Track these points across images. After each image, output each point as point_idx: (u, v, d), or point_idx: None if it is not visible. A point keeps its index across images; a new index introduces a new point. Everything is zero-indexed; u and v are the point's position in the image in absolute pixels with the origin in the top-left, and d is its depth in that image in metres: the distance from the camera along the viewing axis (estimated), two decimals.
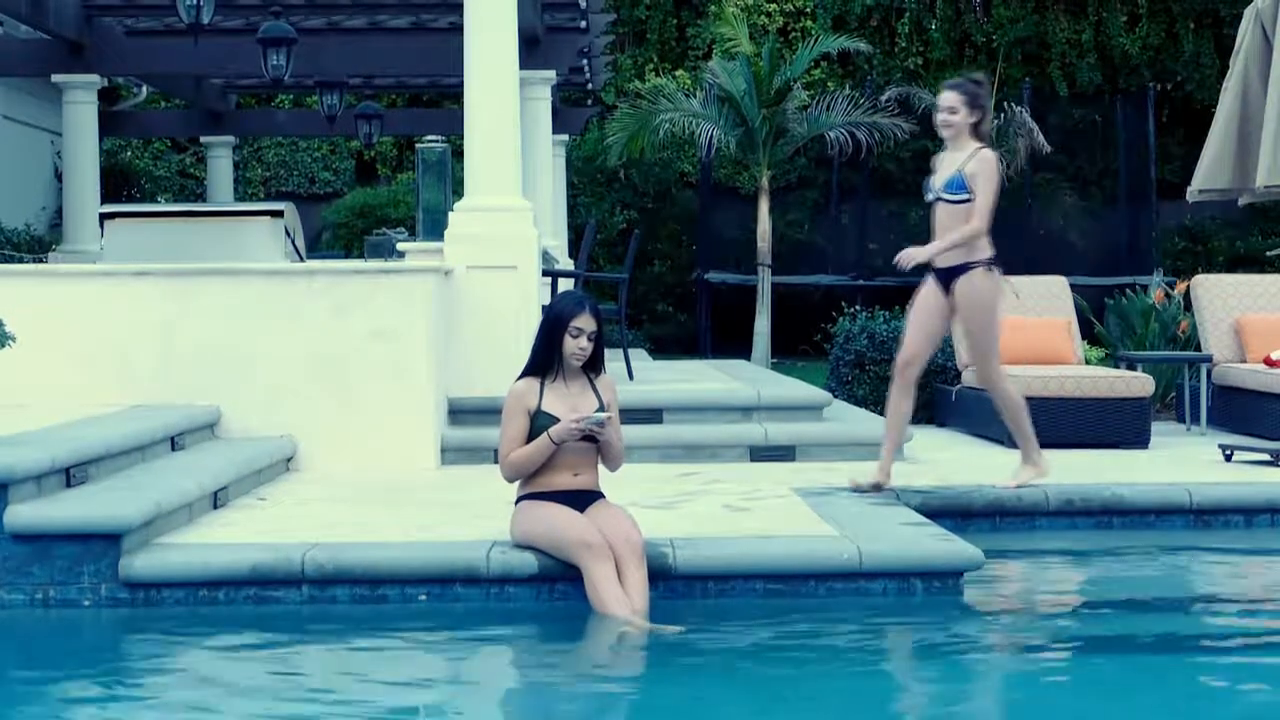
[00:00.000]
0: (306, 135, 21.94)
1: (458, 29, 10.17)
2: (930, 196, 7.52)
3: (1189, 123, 21.81)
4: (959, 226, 7.34)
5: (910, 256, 7.35)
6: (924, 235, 7.65)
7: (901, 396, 7.54)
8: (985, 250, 7.41)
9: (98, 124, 15.50)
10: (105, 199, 16.01)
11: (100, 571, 5.87)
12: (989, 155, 7.40)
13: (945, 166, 7.51)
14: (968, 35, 22.00)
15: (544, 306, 6.11)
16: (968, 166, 7.36)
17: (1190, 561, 7.09)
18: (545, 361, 5.91)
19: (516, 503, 6.00)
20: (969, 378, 10.48)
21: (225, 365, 8.34)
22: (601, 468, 6.04)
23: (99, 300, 8.43)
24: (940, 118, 7.44)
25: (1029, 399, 9.58)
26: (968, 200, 7.35)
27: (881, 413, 10.72)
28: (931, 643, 5.43)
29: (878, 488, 7.42)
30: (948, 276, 7.46)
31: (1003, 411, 7.75)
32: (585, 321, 5.87)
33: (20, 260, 14.54)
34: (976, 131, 7.48)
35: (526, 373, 5.96)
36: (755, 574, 5.93)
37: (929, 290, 7.54)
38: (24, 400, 8.12)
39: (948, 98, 7.46)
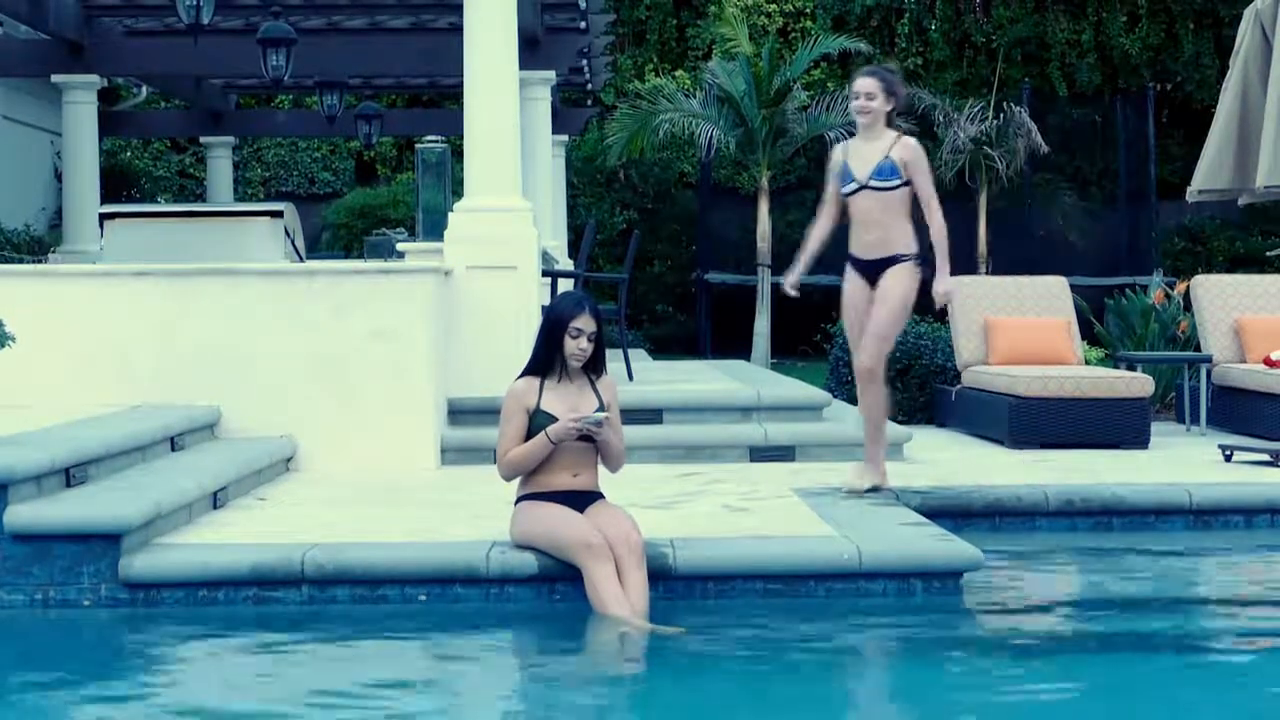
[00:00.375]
0: (306, 135, 21.95)
1: (457, 29, 10.17)
2: (852, 187, 7.24)
3: (1189, 123, 21.82)
4: (890, 215, 7.18)
5: (950, 290, 7.26)
6: (925, 235, 7.57)
7: (872, 396, 7.40)
8: (915, 244, 7.26)
9: (97, 124, 15.51)
10: (105, 199, 16.02)
11: (100, 572, 5.87)
12: (915, 142, 7.29)
13: (863, 155, 7.26)
14: (967, 36, 21.99)
15: (544, 307, 6.11)
16: (894, 153, 7.19)
17: (1190, 562, 7.09)
18: (545, 361, 5.92)
19: (516, 503, 6.00)
20: (969, 378, 10.49)
21: (225, 365, 8.34)
22: (602, 468, 6.04)
23: (99, 300, 8.43)
24: (858, 104, 7.25)
25: (1029, 399, 9.64)
26: (901, 185, 7.18)
27: None
28: (931, 643, 5.43)
29: (877, 489, 7.38)
30: (877, 268, 7.27)
31: (870, 407, 7.40)
32: (585, 322, 5.87)
33: (20, 261, 14.54)
34: (890, 119, 7.30)
35: (526, 372, 5.97)
36: (755, 574, 5.93)
37: (855, 287, 7.34)
38: (24, 400, 8.12)
39: (866, 84, 7.25)
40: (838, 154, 7.39)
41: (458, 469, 8.46)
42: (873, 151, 7.23)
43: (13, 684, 4.93)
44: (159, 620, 5.73)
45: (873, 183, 7.17)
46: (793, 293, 7.50)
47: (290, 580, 5.84)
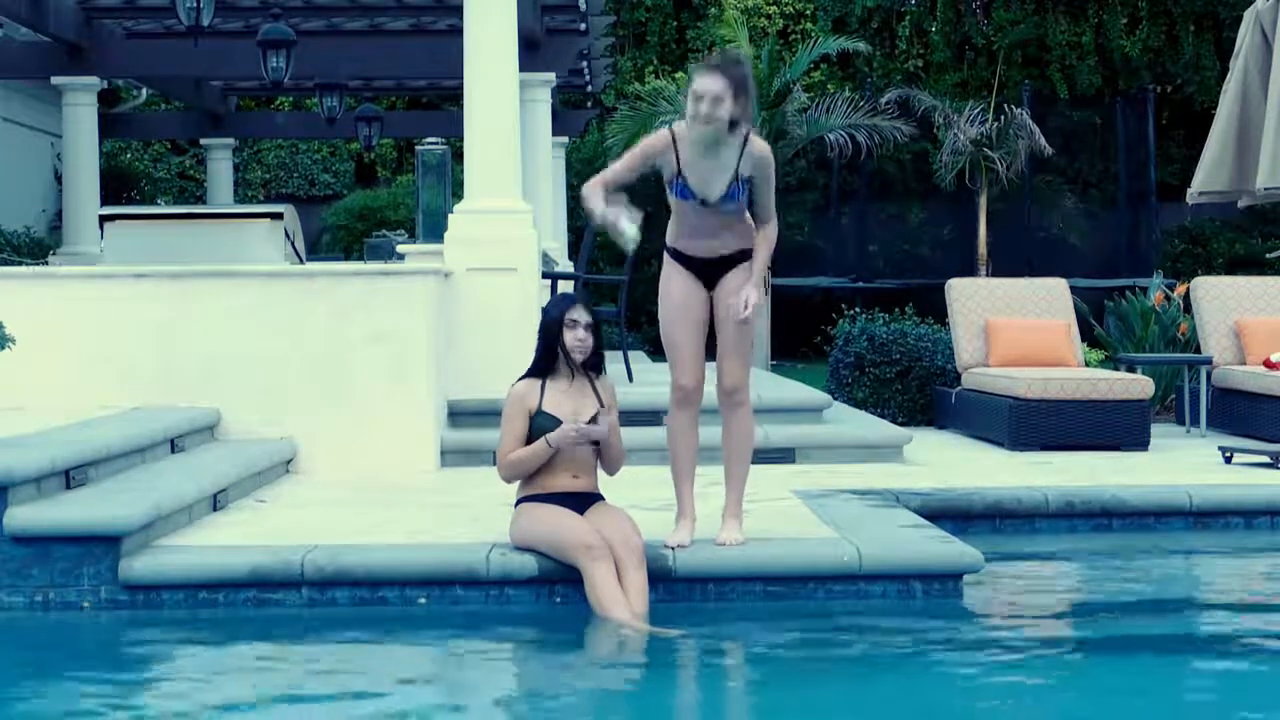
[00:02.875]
0: (306, 137, 21.96)
1: (457, 31, 10.18)
2: (691, 201, 5.85)
3: (1189, 125, 21.83)
4: (737, 221, 5.91)
5: (756, 303, 5.84)
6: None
7: (692, 425, 6.11)
8: (754, 235, 6.00)
9: (98, 126, 15.51)
10: (105, 201, 16.02)
11: (100, 574, 5.86)
12: (764, 150, 5.83)
13: (703, 169, 5.80)
14: (968, 38, 22.01)
15: (543, 309, 6.08)
16: (744, 167, 5.79)
17: (1190, 563, 7.10)
18: (546, 363, 5.93)
19: (516, 505, 6.00)
20: (969, 380, 10.48)
21: (225, 367, 8.34)
22: (601, 471, 6.05)
23: (99, 302, 8.43)
24: (705, 110, 5.66)
25: (1029, 401, 9.64)
26: (748, 200, 5.89)
27: (882, 414, 10.77)
28: (931, 645, 5.42)
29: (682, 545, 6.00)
30: (714, 269, 5.97)
31: (737, 443, 6.13)
32: (578, 313, 5.89)
33: (20, 263, 14.54)
34: (737, 120, 5.79)
35: (528, 374, 5.97)
36: (755, 576, 5.92)
37: (687, 286, 5.97)
38: (23, 402, 8.12)
39: (712, 85, 5.65)
40: (665, 149, 5.83)
41: (458, 470, 8.46)
42: (718, 166, 5.79)
43: (12, 686, 4.93)
44: (159, 622, 5.72)
45: (724, 206, 5.85)
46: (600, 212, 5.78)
47: (290, 582, 5.84)
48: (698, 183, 5.81)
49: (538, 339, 6.01)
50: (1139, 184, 20.81)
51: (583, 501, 5.90)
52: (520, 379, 5.98)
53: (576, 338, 5.89)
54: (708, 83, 5.66)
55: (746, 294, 5.85)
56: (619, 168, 5.92)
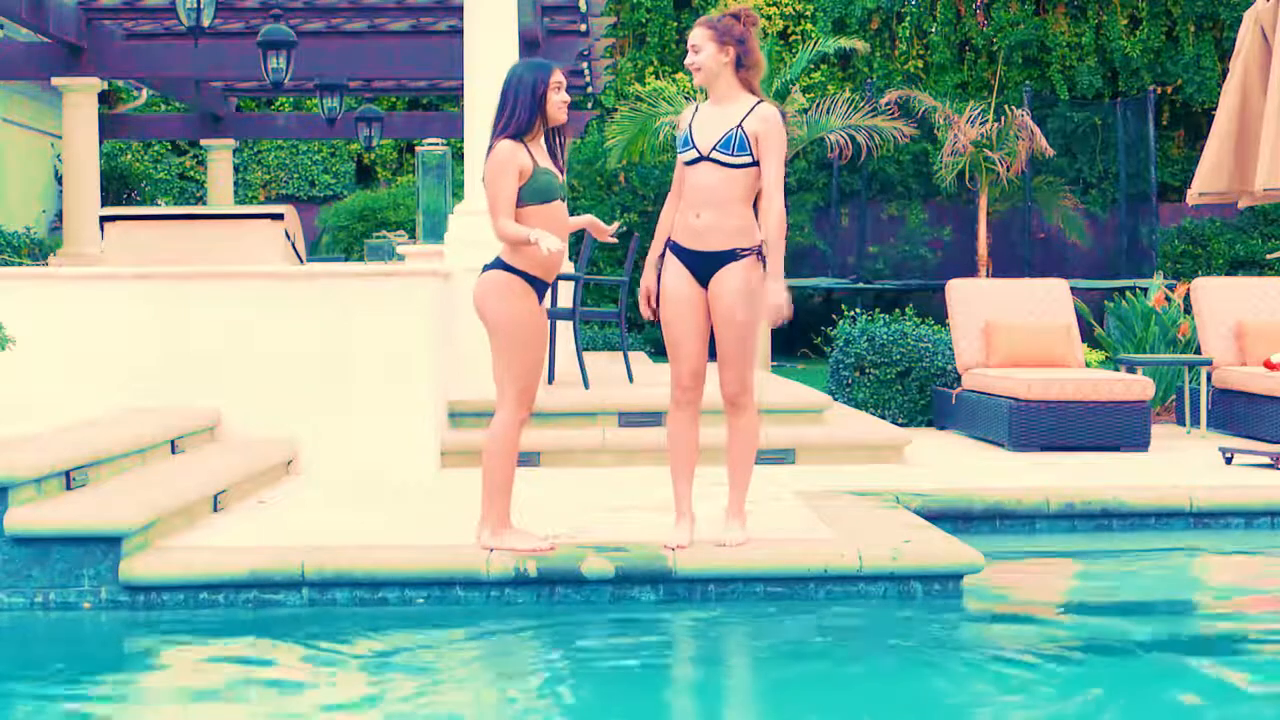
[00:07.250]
0: (307, 138, 21.97)
1: (458, 32, 10.19)
2: (691, 155, 5.98)
3: (1189, 126, 21.85)
4: (731, 198, 5.92)
5: (782, 306, 5.86)
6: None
7: (692, 424, 6.13)
8: (756, 234, 5.97)
9: (98, 127, 15.52)
10: (105, 202, 16.04)
11: (100, 574, 5.87)
12: (773, 114, 5.97)
13: (710, 121, 5.99)
14: (968, 38, 22.01)
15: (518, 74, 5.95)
16: (748, 123, 5.92)
17: (1190, 564, 7.10)
18: (530, 126, 5.94)
19: (496, 267, 6.12)
20: (969, 381, 10.48)
21: (225, 368, 8.34)
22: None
23: (99, 303, 8.43)
24: (687, 60, 6.04)
25: (1029, 402, 9.64)
26: (751, 164, 5.92)
27: (882, 415, 10.77)
28: (930, 645, 5.43)
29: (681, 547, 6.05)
30: (707, 264, 5.99)
31: (740, 444, 6.12)
32: (559, 75, 5.98)
33: (20, 264, 14.54)
34: (744, 80, 6.02)
35: (507, 135, 5.93)
36: (755, 577, 5.93)
37: (680, 282, 6.03)
38: (24, 403, 8.12)
39: (692, 35, 6.02)
40: (685, 116, 6.12)
41: (458, 471, 8.46)
42: (723, 119, 5.98)
43: (12, 687, 4.93)
44: (159, 623, 5.73)
45: (716, 155, 5.94)
46: (649, 307, 6.15)
47: (290, 583, 5.85)
48: (700, 132, 6.02)
49: (520, 103, 5.93)
50: (1139, 185, 20.81)
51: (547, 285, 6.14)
52: (502, 139, 5.92)
53: (562, 100, 5.98)
54: (692, 32, 6.06)
55: (776, 301, 5.87)
56: (679, 170, 6.15)
